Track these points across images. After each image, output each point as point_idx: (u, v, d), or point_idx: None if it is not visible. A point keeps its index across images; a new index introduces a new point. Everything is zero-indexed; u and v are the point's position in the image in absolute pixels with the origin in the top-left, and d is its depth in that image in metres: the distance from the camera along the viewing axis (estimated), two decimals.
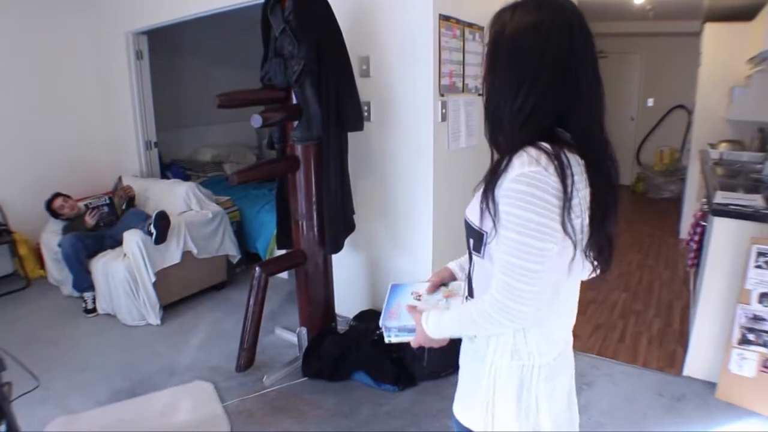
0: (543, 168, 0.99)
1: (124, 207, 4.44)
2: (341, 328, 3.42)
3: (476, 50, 3.60)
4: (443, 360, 3.00)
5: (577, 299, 1.27)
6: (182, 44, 6.30)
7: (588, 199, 1.09)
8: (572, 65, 1.04)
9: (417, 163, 3.30)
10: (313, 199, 3.00)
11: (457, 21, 3.33)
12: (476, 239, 1.15)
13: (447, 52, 3.25)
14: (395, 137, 3.37)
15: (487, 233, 1.10)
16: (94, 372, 3.27)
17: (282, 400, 2.93)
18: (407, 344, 3.04)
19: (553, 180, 1.00)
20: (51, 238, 4.47)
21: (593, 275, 1.27)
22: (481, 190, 1.10)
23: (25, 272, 4.75)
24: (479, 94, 3.69)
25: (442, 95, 3.25)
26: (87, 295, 4.06)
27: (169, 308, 4.06)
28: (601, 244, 1.15)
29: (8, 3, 4.77)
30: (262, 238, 4.60)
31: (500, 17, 1.11)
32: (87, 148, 5.50)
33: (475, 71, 3.62)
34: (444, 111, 3.27)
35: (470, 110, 3.54)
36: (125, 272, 3.78)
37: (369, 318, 3.43)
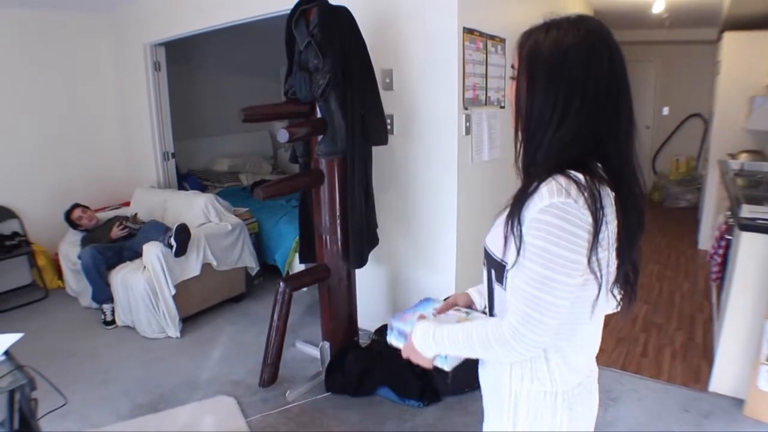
0: (573, 200, 0.96)
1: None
2: (363, 341, 3.40)
3: (498, 63, 3.59)
4: (468, 376, 2.96)
5: (600, 329, 1.23)
6: (199, 55, 6.34)
7: (615, 231, 1.05)
8: (613, 91, 1.01)
9: (440, 177, 3.28)
10: (337, 213, 2.99)
11: (481, 34, 3.32)
12: (498, 270, 1.11)
13: (471, 65, 3.23)
14: (418, 150, 3.35)
15: (507, 263, 1.06)
16: (115, 385, 3.27)
17: (306, 415, 2.91)
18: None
19: (582, 213, 0.96)
20: (69, 249, 4.48)
21: (618, 309, 1.22)
22: (503, 217, 1.06)
23: (43, 283, 4.77)
24: (501, 107, 3.67)
25: (466, 108, 3.24)
26: (106, 307, 4.06)
27: (188, 320, 4.05)
28: (627, 274, 1.13)
29: (29, 15, 4.81)
30: (281, 250, 4.59)
31: (532, 35, 1.05)
32: (105, 159, 5.52)
33: (498, 84, 3.60)
34: (468, 124, 3.26)
35: (493, 123, 3.52)
36: (145, 284, 3.77)
37: None
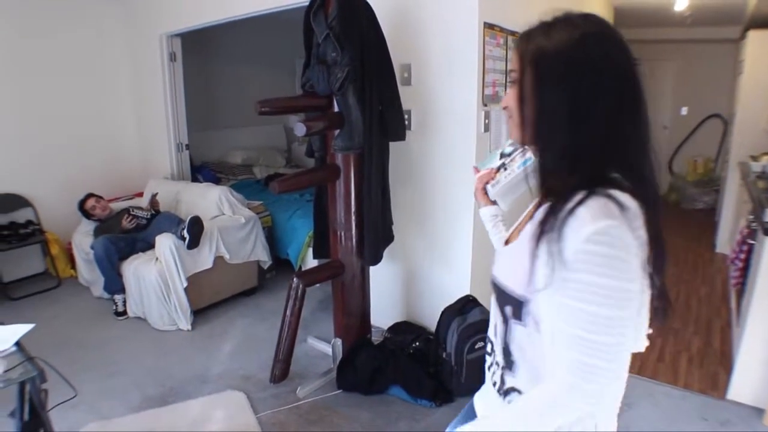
0: (617, 222, 0.85)
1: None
2: (375, 338, 3.37)
3: None
4: (482, 377, 2.93)
5: None
6: (214, 46, 6.32)
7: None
8: (630, 83, 0.93)
9: (458, 174, 3.22)
10: (353, 209, 2.95)
11: (501, 29, 3.26)
12: (515, 306, 1.00)
13: (491, 61, 3.18)
14: (436, 147, 3.30)
15: (529, 300, 0.96)
16: (125, 377, 3.26)
17: (316, 413, 2.88)
18: (445, 360, 2.97)
19: (627, 235, 0.86)
20: (82, 238, 4.48)
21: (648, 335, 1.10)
22: (517, 246, 0.99)
23: (56, 271, 4.78)
24: None
25: (485, 105, 3.18)
26: (117, 297, 4.06)
27: (199, 313, 4.03)
28: (662, 296, 1.01)
29: (44, 4, 4.80)
30: (294, 245, 4.56)
31: (534, 35, 0.97)
32: (119, 149, 5.53)
33: None
34: (487, 121, 3.20)
35: None
36: (157, 276, 3.76)
37: (404, 330, 3.38)
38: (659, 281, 0.99)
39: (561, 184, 0.95)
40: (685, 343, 3.62)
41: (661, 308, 1.03)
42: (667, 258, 0.99)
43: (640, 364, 3.31)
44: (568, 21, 0.95)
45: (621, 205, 0.87)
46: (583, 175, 0.93)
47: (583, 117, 0.92)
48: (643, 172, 0.96)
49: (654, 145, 0.97)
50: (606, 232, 0.85)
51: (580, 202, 0.88)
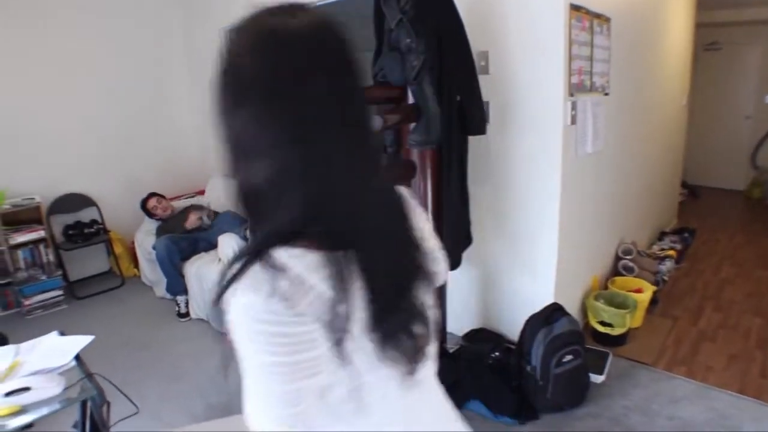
0: (265, 295, 0.70)
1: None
2: (449, 346, 3.15)
3: (603, 44, 3.23)
4: (569, 392, 2.68)
5: (414, 405, 0.93)
6: None
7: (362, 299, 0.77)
8: (316, 101, 0.71)
9: (542, 171, 2.95)
10: (430, 208, 2.73)
11: (587, 11, 2.98)
12: None
13: (576, 46, 2.90)
14: (517, 141, 3.03)
15: None
16: (188, 383, 3.16)
17: None
18: (529, 373, 2.71)
19: (277, 307, 0.70)
20: (145, 238, 4.45)
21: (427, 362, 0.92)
22: None
23: (120, 270, 4.79)
24: (605, 94, 3.31)
25: (572, 95, 2.90)
26: (180, 298, 3.99)
27: None
28: (398, 345, 0.82)
29: (107, 3, 4.79)
30: None
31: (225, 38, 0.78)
32: (180, 149, 5.50)
33: (602, 68, 3.25)
34: (573, 113, 2.92)
35: (597, 112, 3.17)
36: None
37: (481, 338, 3.15)
38: (406, 312, 0.83)
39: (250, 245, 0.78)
40: None
41: (413, 344, 0.84)
42: (403, 301, 0.83)
43: (741, 381, 2.97)
44: (253, 19, 0.77)
45: (277, 272, 0.71)
46: (256, 228, 0.78)
47: (247, 150, 0.74)
48: (335, 219, 0.76)
49: (374, 171, 0.81)
50: (246, 309, 0.71)
51: (236, 274, 0.73)
